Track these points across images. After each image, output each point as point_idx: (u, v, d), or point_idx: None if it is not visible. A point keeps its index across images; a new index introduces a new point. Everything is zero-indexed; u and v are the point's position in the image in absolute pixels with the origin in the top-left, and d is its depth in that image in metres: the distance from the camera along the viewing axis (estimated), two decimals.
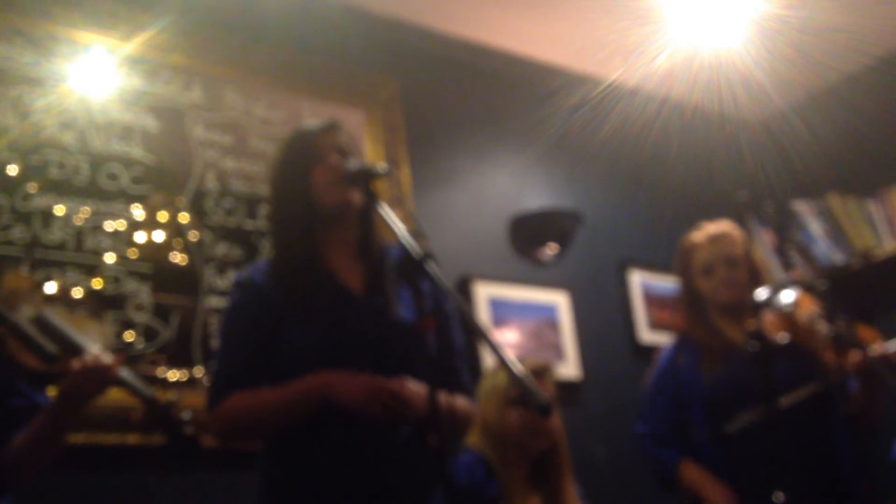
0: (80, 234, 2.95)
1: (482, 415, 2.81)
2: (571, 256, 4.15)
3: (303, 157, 2.23)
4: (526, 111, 4.31)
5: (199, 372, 3.02)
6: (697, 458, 2.90)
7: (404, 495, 2.05)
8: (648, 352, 3.59)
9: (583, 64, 4.42)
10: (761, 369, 2.66)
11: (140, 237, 3.07)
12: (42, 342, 2.12)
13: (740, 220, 3.39)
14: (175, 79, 3.32)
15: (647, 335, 4.23)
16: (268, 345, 2.12)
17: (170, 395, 2.29)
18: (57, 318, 2.17)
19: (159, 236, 3.11)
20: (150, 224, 3.11)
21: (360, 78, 3.79)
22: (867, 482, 2.91)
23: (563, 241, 4.09)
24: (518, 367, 1.73)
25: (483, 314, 3.75)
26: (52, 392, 2.18)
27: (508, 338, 3.80)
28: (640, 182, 4.47)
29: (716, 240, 3.02)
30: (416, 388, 2.01)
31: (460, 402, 2.18)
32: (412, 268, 1.91)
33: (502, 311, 3.83)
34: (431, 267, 1.88)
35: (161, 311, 3.02)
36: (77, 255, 2.92)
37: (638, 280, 4.34)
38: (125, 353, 2.82)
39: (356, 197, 2.17)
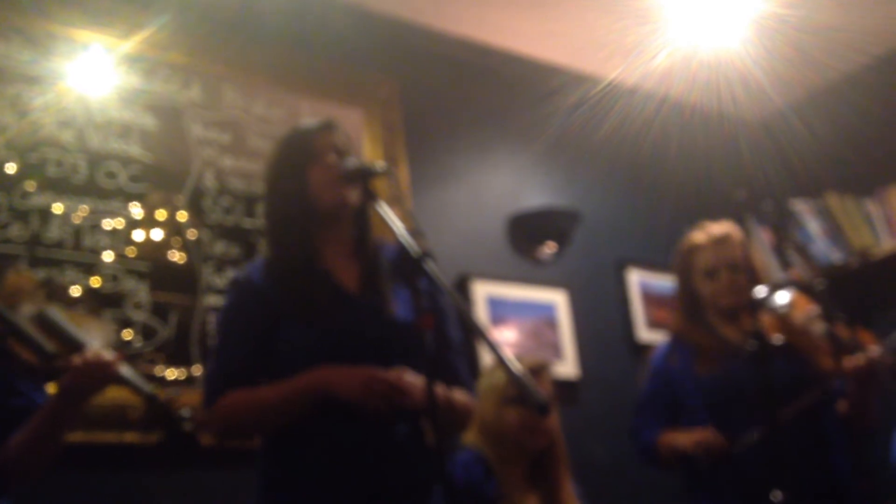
0: (78, 232, 2.95)
1: (480, 413, 2.81)
2: (570, 255, 4.15)
3: (299, 157, 2.23)
4: (525, 110, 4.31)
5: (197, 370, 3.02)
6: None
7: (403, 493, 2.05)
8: (646, 350, 3.59)
9: (582, 63, 4.42)
10: (759, 369, 2.66)
11: (138, 235, 3.07)
12: (40, 340, 2.11)
13: (739, 219, 3.39)
14: (173, 77, 3.32)
15: (646, 334, 4.23)
16: (264, 344, 2.12)
17: (169, 392, 2.29)
18: (58, 315, 2.17)
19: (157, 235, 3.11)
20: (149, 222, 3.10)
21: (359, 76, 3.79)
22: (866, 482, 2.91)
23: (562, 240, 4.09)
24: (516, 366, 1.74)
25: (481, 313, 3.75)
26: (52, 390, 2.17)
27: (507, 337, 3.79)
28: (639, 181, 4.48)
29: (720, 242, 2.99)
30: (413, 378, 2.02)
31: (459, 395, 2.18)
32: (410, 266, 1.91)
33: (501, 310, 3.83)
34: (430, 265, 1.89)
35: (159, 310, 3.02)
36: (75, 253, 2.92)
37: (636, 279, 4.34)
38: (123, 353, 2.82)
39: (353, 196, 2.17)
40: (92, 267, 2.94)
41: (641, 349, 4.06)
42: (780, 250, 4.40)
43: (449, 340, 2.24)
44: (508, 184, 4.17)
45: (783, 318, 2.75)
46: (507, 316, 3.85)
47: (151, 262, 3.06)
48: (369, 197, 2.14)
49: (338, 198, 2.17)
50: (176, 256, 3.12)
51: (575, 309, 4.07)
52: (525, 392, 1.72)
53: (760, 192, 4.49)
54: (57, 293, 2.75)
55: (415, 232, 1.95)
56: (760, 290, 2.72)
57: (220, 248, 3.22)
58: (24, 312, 2.15)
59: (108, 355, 2.10)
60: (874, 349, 2.73)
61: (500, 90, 4.31)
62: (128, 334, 2.93)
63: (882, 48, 4.55)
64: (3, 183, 2.86)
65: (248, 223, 3.32)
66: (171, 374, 2.97)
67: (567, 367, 3.92)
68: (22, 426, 2.09)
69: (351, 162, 2.18)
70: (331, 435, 2.03)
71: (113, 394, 2.34)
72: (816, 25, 4.00)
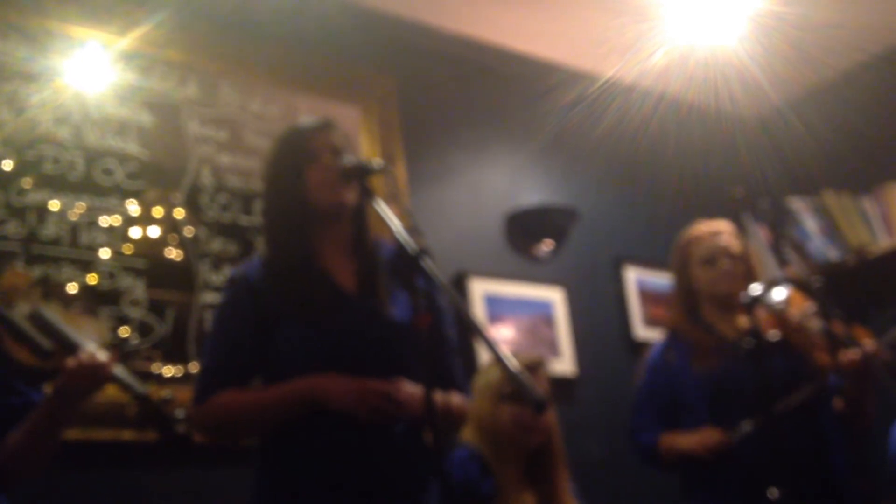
0: (74, 229, 2.95)
1: (476, 410, 2.81)
2: (567, 253, 4.15)
3: (297, 156, 2.22)
4: (522, 108, 4.30)
5: (193, 368, 3.01)
6: None
7: (400, 492, 2.05)
8: (643, 348, 3.59)
9: (579, 60, 4.42)
10: (756, 366, 2.67)
11: (135, 233, 3.06)
12: (37, 338, 2.11)
13: (736, 216, 3.40)
14: (170, 74, 3.31)
15: (643, 331, 4.23)
16: (259, 343, 2.12)
17: (164, 393, 2.28)
18: (53, 314, 2.16)
19: (154, 232, 3.11)
20: (146, 219, 3.10)
21: (357, 74, 3.78)
22: (864, 479, 2.92)
23: (559, 237, 4.09)
24: (513, 364, 1.73)
25: (478, 310, 3.75)
26: (48, 389, 2.17)
27: (504, 334, 3.80)
28: (636, 179, 4.48)
29: (717, 233, 3.06)
30: (411, 388, 2.01)
31: (455, 399, 2.18)
32: (408, 264, 1.91)
33: (498, 308, 3.83)
34: (427, 263, 1.88)
35: (156, 307, 3.02)
36: (72, 250, 2.92)
37: (633, 276, 4.34)
38: (120, 349, 2.82)
39: (350, 196, 2.17)
40: (88, 264, 2.93)
41: (638, 347, 4.06)
42: (777, 248, 4.40)
43: (446, 340, 2.24)
44: (506, 181, 4.17)
45: (780, 315, 2.76)
46: (504, 313, 3.85)
47: (148, 260, 3.06)
48: (366, 195, 2.14)
49: (335, 197, 2.17)
50: (173, 254, 3.12)
51: (572, 306, 4.07)
52: (522, 389, 1.72)
53: (757, 189, 4.49)
54: (53, 291, 2.75)
55: (412, 230, 1.95)
56: (757, 287, 2.73)
57: (217, 245, 3.22)
58: (19, 311, 2.15)
59: (103, 356, 2.10)
60: (870, 345, 2.74)
61: (498, 88, 4.31)
62: (124, 331, 2.93)
63: (880, 46, 4.55)
64: None
65: (245, 220, 3.31)
66: (168, 371, 2.96)
67: (564, 364, 3.92)
68: (18, 425, 2.09)
69: (348, 160, 2.17)
70: (328, 434, 2.03)
71: (110, 392, 2.34)
72: (814, 23, 4.00)
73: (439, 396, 1.98)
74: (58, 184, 2.96)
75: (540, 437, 2.90)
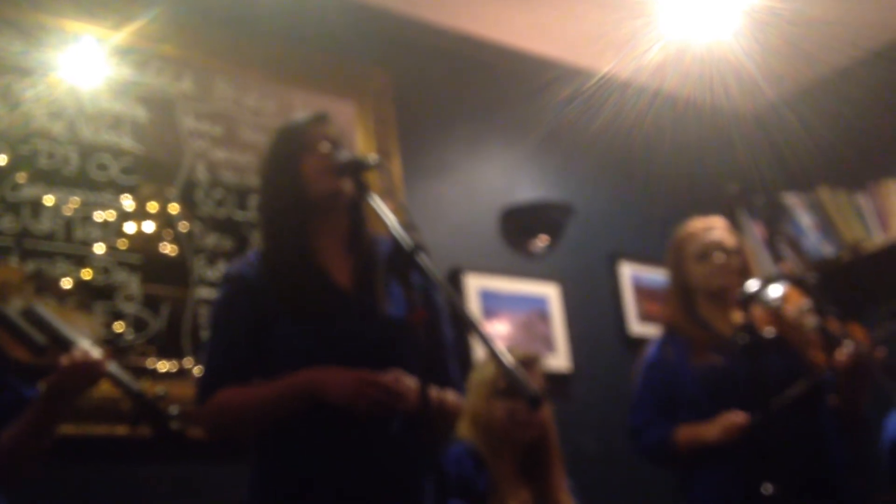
0: (69, 224, 2.94)
1: (471, 406, 2.81)
2: (562, 249, 4.15)
3: (292, 148, 2.22)
4: (518, 103, 4.30)
5: (188, 363, 3.01)
6: None
7: (396, 488, 2.05)
8: (639, 344, 3.59)
9: (575, 56, 4.42)
10: (751, 362, 2.67)
11: (130, 228, 3.06)
12: (31, 333, 2.11)
13: (731, 212, 3.40)
14: (165, 69, 3.31)
15: (638, 327, 4.24)
16: (257, 339, 2.12)
17: (157, 390, 2.28)
18: (46, 310, 2.16)
19: (149, 227, 3.10)
20: (140, 214, 3.10)
21: (352, 69, 3.78)
22: (858, 474, 2.92)
23: (554, 233, 4.09)
24: (508, 359, 1.73)
25: (474, 306, 3.75)
26: (42, 385, 2.17)
27: (499, 330, 3.80)
28: (632, 174, 4.48)
29: (710, 229, 3.07)
30: (409, 381, 2.01)
31: (449, 395, 2.18)
32: (403, 260, 1.91)
33: (493, 303, 3.83)
34: (422, 259, 1.88)
35: (151, 302, 3.02)
36: (66, 245, 2.91)
37: (628, 272, 4.34)
38: (113, 345, 2.82)
39: (346, 186, 2.16)
40: (83, 259, 2.93)
41: (633, 342, 4.06)
42: (771, 244, 4.41)
43: (441, 338, 2.23)
44: (501, 177, 4.16)
45: (775, 312, 2.76)
46: (499, 309, 3.85)
47: (143, 255, 3.05)
48: (361, 190, 2.14)
49: (331, 187, 2.16)
50: (167, 249, 3.12)
51: (567, 302, 4.07)
52: (516, 384, 1.72)
53: (753, 185, 4.50)
54: (46, 286, 2.74)
55: (407, 225, 1.95)
56: (753, 284, 2.73)
57: (211, 240, 3.22)
58: (13, 307, 2.15)
59: (96, 354, 2.09)
60: (864, 342, 2.75)
61: (494, 83, 4.31)
62: (119, 327, 2.92)
63: (875, 42, 4.55)
64: None
65: (239, 215, 3.31)
66: (163, 366, 2.96)
67: (559, 360, 3.92)
68: (11, 421, 2.08)
69: (343, 154, 2.17)
70: (324, 429, 2.03)
71: (105, 387, 2.33)
72: (809, 19, 4.00)
73: (434, 391, 1.98)
74: (52, 179, 2.95)
75: (534, 432, 2.90)
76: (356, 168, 2.15)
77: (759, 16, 4.00)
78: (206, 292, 3.12)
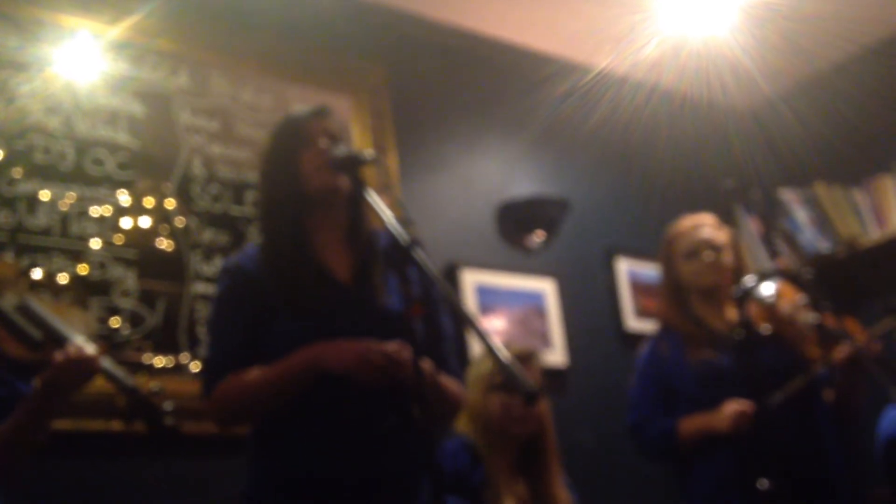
0: (65, 219, 2.94)
1: (468, 400, 2.82)
2: (558, 244, 4.15)
3: (291, 142, 2.22)
4: (514, 98, 4.30)
5: (185, 358, 3.01)
6: None
7: (392, 481, 2.05)
8: (635, 339, 3.60)
9: (572, 52, 4.42)
10: (746, 357, 2.68)
11: (126, 223, 3.06)
12: (27, 328, 2.11)
13: (727, 207, 3.40)
14: (161, 64, 3.30)
15: (634, 323, 4.24)
16: (257, 332, 2.12)
17: (151, 385, 2.27)
18: (40, 306, 2.16)
19: (145, 222, 3.10)
20: (136, 210, 3.09)
21: (348, 64, 3.77)
22: (854, 472, 2.93)
23: (551, 228, 4.09)
24: (505, 354, 1.73)
25: (470, 301, 3.75)
26: (36, 381, 2.16)
27: (495, 325, 3.80)
28: (628, 170, 4.48)
29: (698, 227, 3.08)
30: (406, 351, 2.00)
31: (448, 380, 2.17)
32: (400, 255, 1.91)
33: (489, 299, 3.83)
34: (419, 254, 1.88)
35: (147, 298, 3.02)
36: (62, 240, 2.91)
37: (625, 268, 4.34)
38: (110, 341, 2.81)
39: (344, 182, 2.16)
40: (79, 254, 2.93)
41: (630, 338, 4.07)
42: (768, 239, 4.41)
43: (440, 331, 2.23)
44: (498, 172, 4.16)
45: (770, 308, 2.77)
46: (495, 304, 3.85)
47: (139, 250, 3.05)
48: (358, 185, 2.14)
49: (329, 183, 2.16)
50: (164, 244, 3.12)
51: (563, 297, 4.07)
52: (512, 379, 1.72)
53: (749, 181, 4.50)
54: (43, 282, 2.74)
55: (404, 220, 1.95)
56: (749, 280, 2.74)
57: (208, 235, 3.21)
58: (7, 302, 2.14)
59: (91, 349, 2.09)
60: (860, 339, 2.75)
61: (490, 78, 4.31)
62: (115, 322, 2.92)
63: (871, 37, 4.55)
64: None
65: (236, 211, 3.31)
66: (159, 361, 2.96)
67: (555, 355, 3.93)
68: (6, 417, 2.08)
69: (340, 150, 2.17)
70: (320, 422, 2.03)
71: (101, 382, 2.33)
72: (806, 14, 4.00)
73: (429, 366, 1.97)
74: (48, 174, 2.95)
75: (531, 427, 2.90)
76: (352, 163, 2.14)
77: (755, 11, 4.01)
78: (202, 287, 3.12)
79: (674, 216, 3.20)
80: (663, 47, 4.18)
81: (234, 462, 2.21)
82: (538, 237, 4.07)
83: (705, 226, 3.08)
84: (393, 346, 1.97)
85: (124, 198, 3.07)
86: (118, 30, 3.18)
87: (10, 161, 2.89)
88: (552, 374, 3.72)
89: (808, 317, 2.71)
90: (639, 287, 4.33)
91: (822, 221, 4.44)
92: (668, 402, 2.98)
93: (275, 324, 2.10)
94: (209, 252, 3.19)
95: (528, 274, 4.02)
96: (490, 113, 4.23)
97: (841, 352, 2.74)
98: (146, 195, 3.13)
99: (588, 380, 3.98)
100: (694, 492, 2.91)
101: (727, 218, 3.18)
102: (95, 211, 3.00)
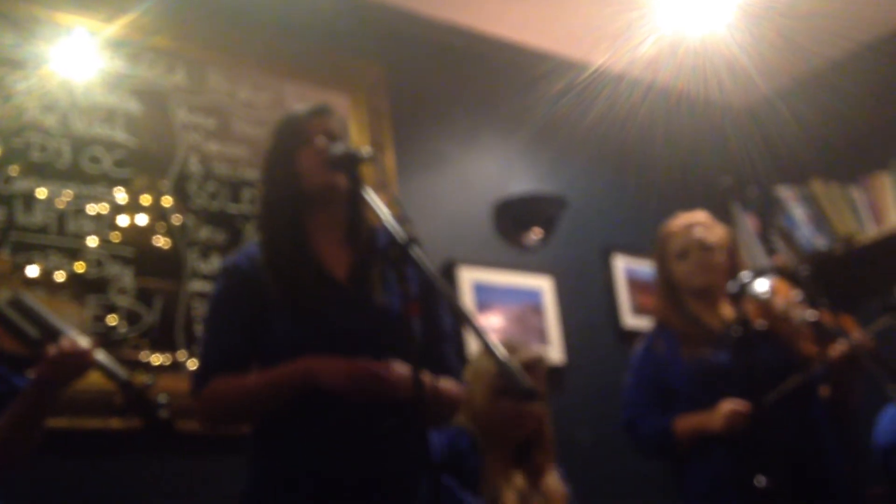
0: (62, 217, 2.94)
1: (471, 399, 2.81)
2: (556, 241, 4.15)
3: (290, 140, 2.23)
4: (512, 96, 4.30)
5: (182, 356, 3.01)
6: None
7: (391, 480, 2.05)
8: (632, 336, 3.60)
9: (569, 49, 4.41)
10: (742, 354, 2.68)
11: (123, 221, 3.05)
12: (24, 326, 2.10)
13: (724, 205, 3.40)
14: (158, 61, 3.30)
15: (631, 320, 4.24)
16: (252, 331, 2.12)
17: (145, 378, 2.28)
18: (34, 301, 2.16)
19: (142, 220, 3.10)
20: (133, 207, 3.09)
21: (346, 61, 3.77)
22: (850, 469, 2.93)
23: (548, 226, 4.09)
24: (502, 353, 1.73)
25: (467, 299, 3.75)
26: (30, 376, 2.16)
27: (492, 323, 3.80)
28: (625, 167, 4.48)
29: (690, 226, 3.08)
30: (402, 370, 2.01)
31: (447, 384, 2.18)
32: (397, 253, 1.91)
33: (486, 296, 3.84)
34: (416, 252, 1.88)
35: (144, 295, 3.01)
36: (59, 238, 2.91)
37: (622, 265, 4.35)
38: (105, 339, 2.81)
39: (342, 180, 2.16)
40: (76, 252, 2.92)
41: (627, 335, 4.07)
42: (764, 237, 4.41)
43: (439, 328, 2.23)
44: (495, 170, 4.16)
45: (765, 304, 2.77)
46: (492, 302, 3.85)
47: (136, 248, 3.05)
48: (355, 183, 2.14)
49: (326, 181, 2.17)
50: (161, 242, 3.11)
51: (561, 295, 4.07)
52: (510, 379, 1.72)
53: (746, 178, 4.50)
54: (36, 280, 2.74)
55: (401, 218, 1.95)
56: (745, 276, 2.74)
57: (205, 233, 3.21)
58: (1, 298, 2.14)
59: (84, 343, 2.09)
60: (857, 336, 2.75)
61: (488, 76, 4.31)
62: (112, 320, 2.92)
63: (868, 35, 4.56)
64: None
65: (233, 208, 3.31)
66: (156, 359, 2.96)
67: (553, 353, 3.93)
68: (2, 411, 2.08)
69: (337, 148, 2.17)
70: (320, 422, 2.03)
71: (97, 380, 2.33)
72: (802, 12, 4.00)
73: (429, 378, 1.98)
74: (44, 171, 2.95)
75: (530, 426, 2.89)
76: (350, 161, 2.14)
77: (752, 9, 4.01)
78: (199, 285, 3.12)
79: (671, 213, 3.20)
80: (660, 44, 4.18)
81: (232, 460, 2.21)
82: (535, 235, 4.07)
83: (697, 225, 3.07)
84: (383, 367, 1.98)
85: (121, 195, 3.07)
86: (115, 27, 3.17)
87: (6, 159, 2.89)
88: (550, 372, 3.72)
89: (804, 313, 2.72)
90: (636, 284, 4.33)
91: (819, 219, 4.45)
92: (663, 399, 2.98)
93: (271, 321, 2.11)
94: (206, 250, 3.19)
95: (526, 271, 4.02)
96: (487, 110, 4.23)
97: (837, 349, 2.74)
98: (143, 193, 3.12)
99: (585, 377, 3.98)
100: (691, 489, 2.91)
101: (724, 215, 3.17)
102: (92, 209, 3.00)
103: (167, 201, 3.17)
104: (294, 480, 2.03)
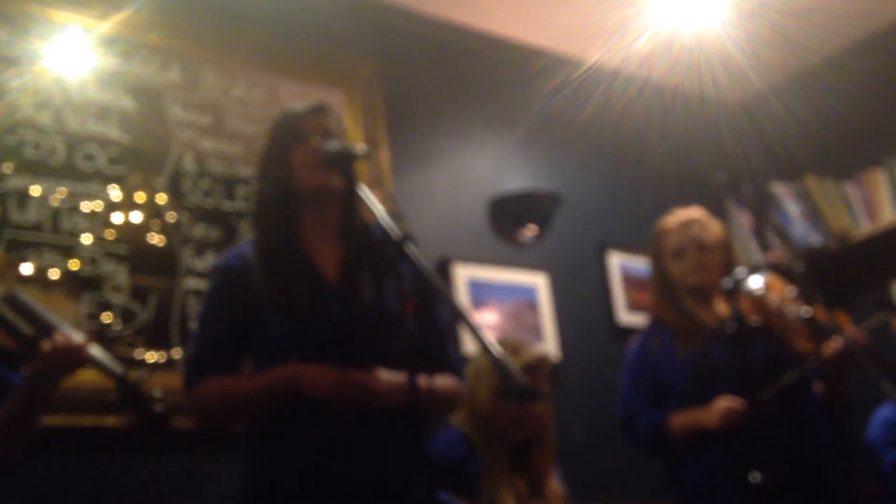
0: (56, 214, 2.93)
1: (472, 398, 2.81)
2: (551, 238, 4.15)
3: (285, 139, 2.23)
4: (506, 93, 4.30)
5: (176, 353, 3.00)
6: None
7: (386, 479, 2.05)
8: (627, 333, 3.60)
9: (564, 46, 4.41)
10: (736, 350, 2.68)
11: (117, 218, 3.05)
12: (19, 324, 2.10)
13: (719, 201, 3.41)
14: (152, 59, 3.29)
15: (626, 317, 4.24)
16: (244, 330, 2.13)
17: (141, 373, 2.28)
18: (28, 297, 2.15)
19: (137, 217, 3.09)
20: (128, 205, 3.08)
21: (340, 58, 3.77)
22: (844, 465, 2.94)
23: (543, 222, 4.09)
24: (499, 351, 1.73)
25: (462, 295, 3.75)
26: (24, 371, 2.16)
27: (487, 319, 3.80)
28: (620, 164, 4.48)
29: (687, 224, 3.05)
30: (388, 377, 2.02)
31: (444, 381, 2.17)
32: (392, 250, 1.91)
33: (481, 293, 3.84)
34: (411, 248, 1.88)
35: (138, 293, 3.01)
36: (53, 235, 2.90)
37: (617, 262, 4.35)
38: (100, 336, 2.80)
39: (335, 180, 2.16)
40: (70, 250, 2.92)
41: (622, 332, 4.07)
42: (759, 233, 4.42)
43: (437, 324, 2.23)
44: (490, 166, 4.16)
45: (759, 301, 2.77)
46: (487, 299, 3.85)
47: (130, 245, 3.04)
48: (350, 181, 2.14)
49: (320, 180, 2.17)
50: (155, 239, 3.11)
51: (556, 292, 4.07)
52: (507, 378, 1.72)
53: (740, 174, 4.51)
54: (31, 278, 2.73)
55: (396, 215, 1.95)
56: (740, 272, 2.74)
57: (199, 230, 3.21)
58: None
59: (78, 338, 2.09)
60: (852, 333, 2.75)
61: (482, 72, 4.30)
62: (107, 317, 2.92)
63: (862, 31, 4.56)
64: None
65: (227, 206, 3.30)
66: (151, 357, 2.96)
67: (547, 349, 3.93)
68: None
69: (331, 145, 2.17)
70: (316, 423, 2.03)
71: (93, 378, 2.33)
72: (797, 8, 4.01)
73: (424, 382, 1.98)
74: (38, 169, 2.94)
75: (531, 428, 2.89)
76: (344, 158, 2.14)
77: (746, 5, 4.01)
78: (194, 283, 3.11)
79: (665, 210, 3.19)
80: (655, 41, 4.18)
81: (227, 458, 2.21)
82: (530, 231, 4.07)
83: (694, 223, 3.05)
84: (371, 377, 1.99)
85: (115, 193, 3.07)
86: (109, 24, 3.17)
87: (0, 156, 2.88)
88: None
89: (798, 309, 2.72)
90: (631, 281, 4.34)
91: (814, 215, 4.45)
92: (659, 396, 2.98)
93: (262, 320, 2.11)
94: (201, 247, 3.18)
95: (521, 268, 4.02)
96: (482, 107, 4.23)
97: (832, 346, 2.74)
98: (137, 190, 3.12)
99: (580, 374, 3.98)
100: (686, 486, 2.91)
101: (718, 211, 3.17)
102: (86, 206, 2.99)
103: (161, 198, 3.16)
104: (288, 480, 2.04)
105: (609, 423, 3.14)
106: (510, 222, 4.06)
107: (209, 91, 3.40)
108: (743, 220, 4.47)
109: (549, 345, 3.95)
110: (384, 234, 1.92)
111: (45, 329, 2.10)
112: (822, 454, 2.85)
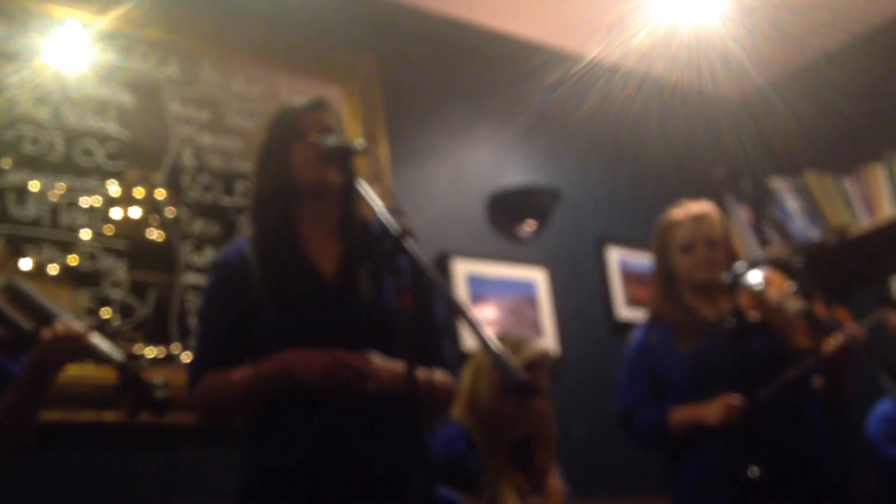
0: (55, 210, 2.93)
1: (474, 395, 2.80)
2: (550, 233, 4.15)
3: (284, 134, 2.23)
4: (505, 88, 4.29)
5: (176, 349, 3.01)
6: None
7: (384, 471, 2.06)
8: (626, 328, 3.60)
9: (563, 41, 4.41)
10: (736, 345, 2.68)
11: (116, 213, 3.05)
12: (18, 319, 2.09)
13: (718, 197, 3.40)
14: (151, 54, 3.29)
15: (625, 312, 4.24)
16: (243, 325, 2.14)
17: (141, 362, 2.28)
18: (28, 286, 2.15)
19: (135, 213, 3.09)
20: (126, 200, 3.08)
21: (339, 53, 3.76)
22: (842, 460, 2.94)
23: (542, 218, 4.09)
24: (498, 346, 1.73)
25: (461, 291, 3.75)
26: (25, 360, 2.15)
27: (487, 315, 3.80)
28: (619, 159, 4.48)
29: (698, 219, 3.02)
30: (382, 361, 2.02)
31: (440, 376, 2.17)
32: (391, 245, 1.91)
33: (480, 288, 3.84)
34: (410, 244, 1.88)
35: (137, 288, 3.01)
36: (52, 231, 2.90)
37: (616, 257, 4.35)
38: (97, 327, 2.80)
39: (333, 176, 2.16)
40: (69, 245, 2.92)
41: (621, 327, 4.07)
42: (758, 228, 4.42)
43: (433, 320, 2.23)
44: (489, 162, 4.16)
45: (758, 296, 2.77)
46: (486, 294, 3.85)
47: (129, 241, 3.04)
48: (349, 176, 2.14)
49: (318, 176, 2.17)
50: (154, 234, 3.11)
51: (555, 287, 4.07)
52: (506, 373, 1.72)
53: (739, 169, 4.51)
54: (29, 273, 2.73)
55: (395, 210, 1.95)
56: (740, 267, 2.74)
57: (198, 226, 3.21)
58: None
59: (78, 326, 2.09)
60: (851, 328, 2.75)
61: (481, 68, 4.30)
62: (106, 313, 2.91)
63: (861, 26, 4.56)
64: None
65: (226, 201, 3.30)
66: (150, 352, 2.96)
67: (547, 344, 3.93)
68: None
69: (330, 140, 2.16)
70: (313, 416, 2.03)
71: (92, 372, 2.33)
72: (795, 3, 4.01)
73: (422, 373, 1.98)
74: (37, 164, 2.94)
75: (532, 426, 2.89)
76: (342, 154, 2.14)
77: (745, 0, 4.00)
78: (192, 278, 3.11)
79: (665, 205, 3.18)
80: (654, 36, 4.18)
81: (226, 453, 2.21)
82: (529, 227, 4.07)
83: (704, 219, 3.01)
84: (362, 358, 1.99)
85: (114, 188, 3.06)
86: (107, 20, 3.16)
87: None
88: None
89: (797, 305, 2.71)
90: (630, 276, 4.34)
91: (813, 210, 4.45)
92: (658, 391, 2.98)
93: (260, 315, 2.12)
94: (199, 242, 3.18)
95: (520, 263, 4.02)
96: (481, 102, 4.22)
97: (831, 342, 2.74)
98: (136, 185, 3.12)
99: (579, 369, 3.99)
100: (685, 481, 2.91)
101: (718, 207, 3.16)
102: (85, 201, 2.99)
103: (160, 194, 3.16)
104: (286, 472, 2.04)
105: (608, 419, 3.14)
106: (509, 217, 4.06)
107: (208, 86, 3.40)
108: (742, 215, 4.47)
109: (549, 340, 3.95)
110: (383, 229, 1.92)
111: (46, 318, 2.10)
112: (821, 449, 2.85)
